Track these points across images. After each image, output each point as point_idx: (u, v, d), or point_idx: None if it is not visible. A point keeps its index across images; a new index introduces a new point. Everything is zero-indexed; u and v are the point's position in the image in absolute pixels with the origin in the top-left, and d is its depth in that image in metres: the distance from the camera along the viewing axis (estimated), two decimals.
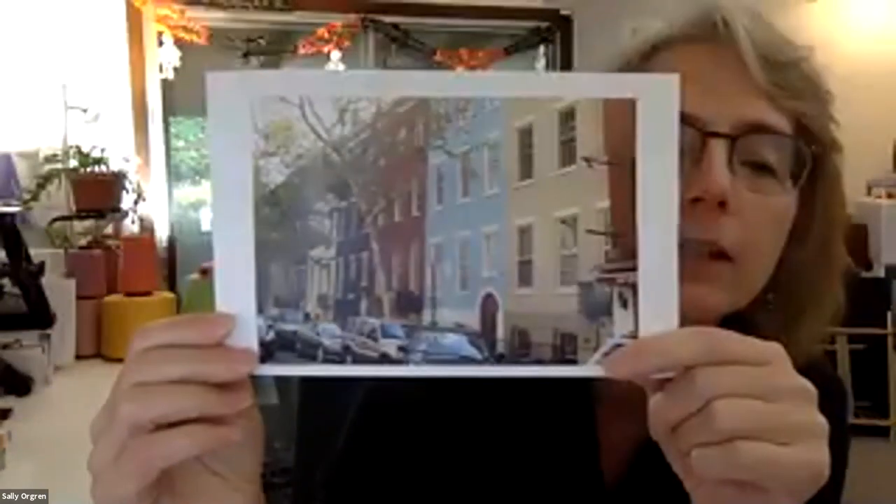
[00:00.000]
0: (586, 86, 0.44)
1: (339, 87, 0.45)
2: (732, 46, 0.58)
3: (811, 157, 0.60)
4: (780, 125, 0.59)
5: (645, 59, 0.63)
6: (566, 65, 3.91)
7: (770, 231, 0.60)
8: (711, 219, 0.56)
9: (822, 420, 0.43)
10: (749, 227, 0.57)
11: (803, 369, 0.44)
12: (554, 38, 3.94)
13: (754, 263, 0.59)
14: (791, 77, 0.59)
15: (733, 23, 0.59)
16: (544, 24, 3.91)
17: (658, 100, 0.43)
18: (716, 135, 0.56)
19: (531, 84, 0.45)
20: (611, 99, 0.44)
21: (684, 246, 0.54)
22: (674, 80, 0.44)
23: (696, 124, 0.56)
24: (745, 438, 0.40)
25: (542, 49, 3.98)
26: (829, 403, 0.46)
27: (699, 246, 0.56)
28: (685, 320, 0.44)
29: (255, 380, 0.46)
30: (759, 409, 0.41)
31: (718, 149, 0.56)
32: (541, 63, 3.98)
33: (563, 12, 3.90)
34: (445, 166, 0.45)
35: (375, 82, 0.45)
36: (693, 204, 0.55)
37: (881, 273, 3.69)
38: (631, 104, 0.43)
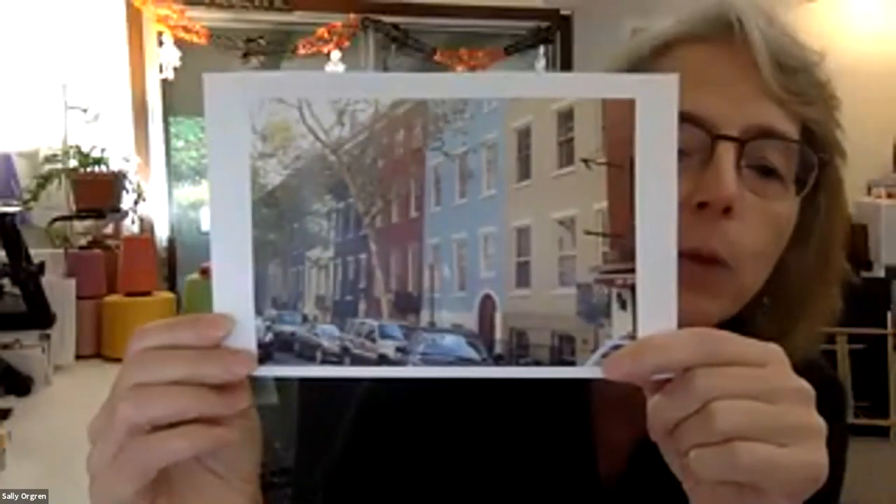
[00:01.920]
0: (585, 86, 0.44)
1: (338, 88, 0.45)
2: (746, 47, 0.57)
3: (817, 163, 0.59)
4: (788, 130, 0.58)
5: (657, 56, 0.62)
6: (566, 65, 3.90)
7: (771, 237, 0.59)
8: (715, 224, 0.55)
9: (819, 421, 0.43)
10: (751, 233, 0.57)
11: (801, 369, 0.44)
12: (554, 38, 3.94)
13: (753, 269, 0.59)
14: (802, 82, 0.58)
15: (748, 23, 0.58)
16: (544, 24, 3.90)
17: (657, 100, 0.43)
18: (725, 138, 0.56)
19: (529, 84, 0.45)
20: (610, 99, 0.44)
21: (686, 252, 0.54)
22: (673, 80, 0.43)
23: (706, 126, 0.56)
24: (743, 439, 0.40)
25: (542, 49, 3.98)
26: (828, 403, 0.46)
27: (700, 253, 0.55)
28: (681, 326, 0.44)
29: (254, 380, 0.46)
30: (757, 409, 0.41)
31: (727, 153, 0.55)
32: (541, 63, 3.97)
33: (563, 12, 3.90)
34: (443, 167, 0.45)
35: (374, 84, 0.45)
36: (698, 208, 0.55)
37: (881, 273, 3.69)
38: (630, 104, 0.43)
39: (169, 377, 0.43)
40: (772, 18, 0.60)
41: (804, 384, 0.43)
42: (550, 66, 3.94)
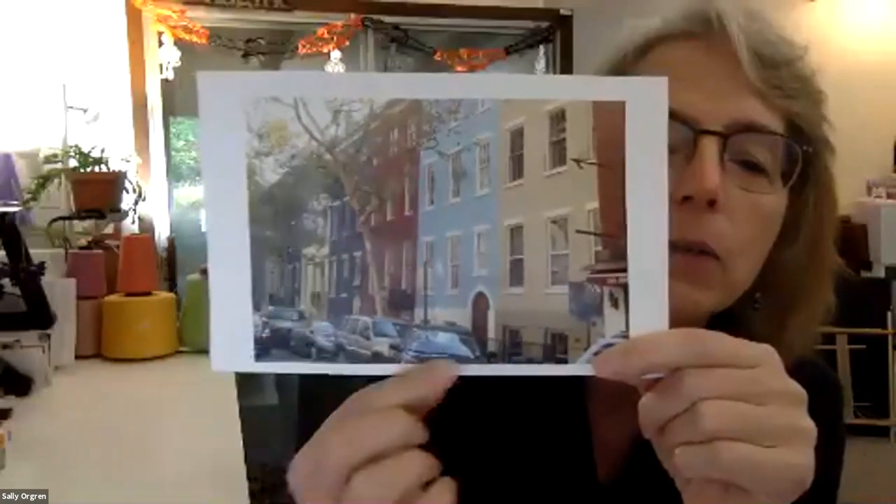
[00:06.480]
0: (576, 88, 0.44)
1: (332, 88, 0.46)
2: (727, 43, 0.58)
3: (802, 156, 0.60)
4: (772, 124, 0.59)
5: (641, 55, 0.62)
6: (566, 65, 3.90)
7: (759, 230, 0.59)
8: (701, 217, 0.56)
9: (808, 424, 0.43)
10: (738, 226, 0.57)
11: (798, 368, 0.45)
12: (554, 38, 3.94)
13: (742, 262, 0.59)
14: (784, 76, 0.59)
15: (727, 19, 0.59)
16: (544, 24, 3.91)
17: (647, 102, 0.44)
18: (708, 133, 0.56)
19: (521, 86, 0.45)
20: (600, 101, 0.44)
21: (674, 244, 0.54)
22: (662, 82, 0.44)
23: (689, 121, 0.56)
24: (727, 439, 0.41)
25: (542, 49, 3.98)
26: (824, 400, 0.46)
27: (687, 245, 0.56)
28: (672, 317, 0.44)
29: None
30: (743, 411, 0.41)
31: (710, 147, 0.56)
32: (541, 63, 3.98)
33: (563, 12, 3.90)
34: (437, 166, 0.46)
35: (368, 84, 0.45)
36: (683, 202, 0.55)
37: (881, 273, 3.69)
38: (620, 106, 0.44)
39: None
40: (753, 14, 0.61)
41: (795, 386, 0.43)
42: (550, 66, 3.95)
